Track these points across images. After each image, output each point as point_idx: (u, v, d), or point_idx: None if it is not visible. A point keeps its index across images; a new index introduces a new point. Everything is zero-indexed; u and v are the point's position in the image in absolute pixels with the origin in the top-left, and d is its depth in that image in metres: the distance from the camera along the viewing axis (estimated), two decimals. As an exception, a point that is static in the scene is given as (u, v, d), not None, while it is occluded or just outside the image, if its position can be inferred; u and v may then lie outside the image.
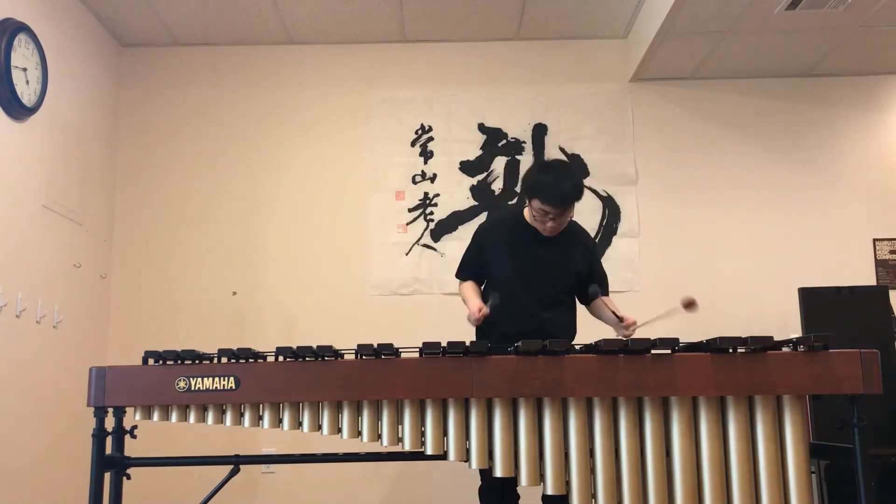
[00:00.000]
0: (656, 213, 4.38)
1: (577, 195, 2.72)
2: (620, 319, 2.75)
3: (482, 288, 2.98)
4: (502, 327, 2.77)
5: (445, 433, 2.18)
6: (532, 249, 2.85)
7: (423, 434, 2.19)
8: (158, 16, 4.20)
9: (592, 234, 4.34)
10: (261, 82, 4.50)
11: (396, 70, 4.51)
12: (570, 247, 2.89)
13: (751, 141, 4.45)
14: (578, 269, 2.89)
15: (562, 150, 4.41)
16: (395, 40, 4.52)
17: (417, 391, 2.16)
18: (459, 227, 4.33)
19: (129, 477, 2.42)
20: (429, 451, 2.18)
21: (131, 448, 2.42)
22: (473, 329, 2.89)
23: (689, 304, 2.65)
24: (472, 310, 2.78)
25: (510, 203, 4.34)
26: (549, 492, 2.12)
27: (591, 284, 2.81)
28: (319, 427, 2.22)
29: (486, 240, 2.95)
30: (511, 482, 2.51)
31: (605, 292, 2.98)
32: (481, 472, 2.73)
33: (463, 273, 3.03)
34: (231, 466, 2.48)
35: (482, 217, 4.30)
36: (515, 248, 2.87)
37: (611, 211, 4.37)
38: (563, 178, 2.72)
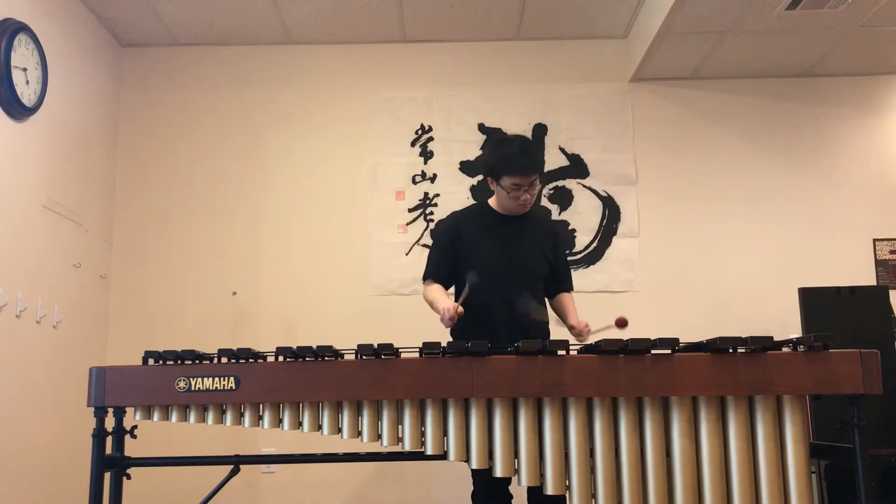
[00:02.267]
0: (656, 213, 4.38)
1: (539, 158, 2.75)
2: (571, 327, 2.83)
3: (454, 286, 2.89)
4: (483, 316, 2.72)
5: (445, 433, 2.18)
6: (509, 232, 2.84)
7: (423, 434, 2.19)
8: (158, 16, 4.20)
9: (592, 234, 4.34)
10: (261, 82, 4.50)
11: (396, 70, 4.51)
12: (541, 232, 2.91)
13: (750, 141, 4.45)
14: (548, 255, 2.91)
15: (562, 150, 4.40)
16: (395, 40, 4.52)
17: (417, 391, 2.16)
18: (459, 227, 4.32)
19: (129, 477, 2.42)
20: (429, 451, 2.18)
21: (131, 448, 2.42)
22: (453, 329, 2.80)
23: (621, 324, 2.67)
24: (442, 310, 2.63)
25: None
26: (550, 492, 2.12)
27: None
28: (319, 427, 2.22)
29: (458, 230, 2.88)
30: (504, 482, 2.51)
31: (569, 287, 3.00)
32: (473, 475, 2.71)
33: (432, 274, 2.89)
34: (231, 466, 2.49)
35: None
36: (492, 232, 2.84)
37: (611, 211, 4.37)
38: (522, 147, 2.81)
